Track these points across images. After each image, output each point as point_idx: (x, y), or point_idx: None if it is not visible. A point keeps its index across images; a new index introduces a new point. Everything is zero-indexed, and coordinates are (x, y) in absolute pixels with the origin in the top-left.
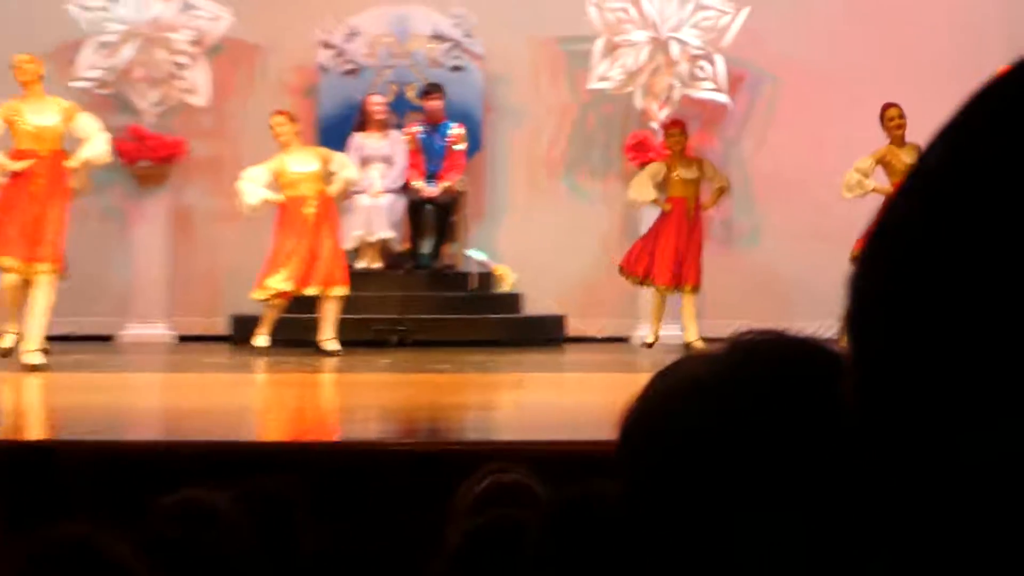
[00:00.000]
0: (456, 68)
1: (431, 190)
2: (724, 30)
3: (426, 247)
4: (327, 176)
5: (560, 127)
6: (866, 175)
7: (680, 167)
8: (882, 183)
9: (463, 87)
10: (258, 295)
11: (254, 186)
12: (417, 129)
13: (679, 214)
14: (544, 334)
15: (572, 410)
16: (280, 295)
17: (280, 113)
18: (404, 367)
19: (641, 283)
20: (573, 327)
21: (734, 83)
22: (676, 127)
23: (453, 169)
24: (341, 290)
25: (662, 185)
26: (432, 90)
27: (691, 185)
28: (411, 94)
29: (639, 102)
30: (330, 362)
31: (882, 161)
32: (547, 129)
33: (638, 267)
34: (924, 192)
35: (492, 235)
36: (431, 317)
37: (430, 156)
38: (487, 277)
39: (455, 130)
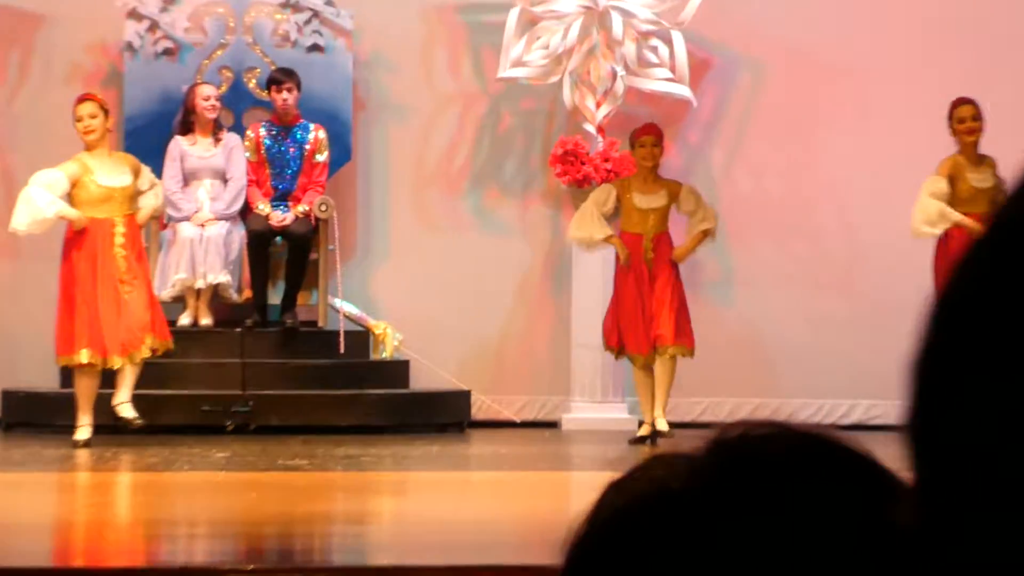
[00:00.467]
0: (315, 48)
1: (281, 216)
2: None
3: (275, 296)
4: (135, 196)
5: (461, 129)
6: (946, 200)
7: (638, 191)
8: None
9: (325, 74)
10: (65, 362)
11: (47, 195)
12: (261, 132)
13: (636, 257)
14: (440, 417)
15: (479, 524)
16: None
17: (89, 99)
18: (246, 463)
19: (617, 357)
20: (480, 407)
21: (698, 70)
22: (648, 134)
23: (312, 187)
24: (148, 350)
25: (614, 214)
26: (282, 78)
27: (652, 217)
28: (252, 84)
29: (569, 96)
30: (139, 456)
31: (949, 177)
32: (442, 132)
33: (611, 335)
34: (1015, 262)
35: (367, 279)
36: (282, 394)
37: (279, 169)
38: (361, 338)
39: (314, 134)
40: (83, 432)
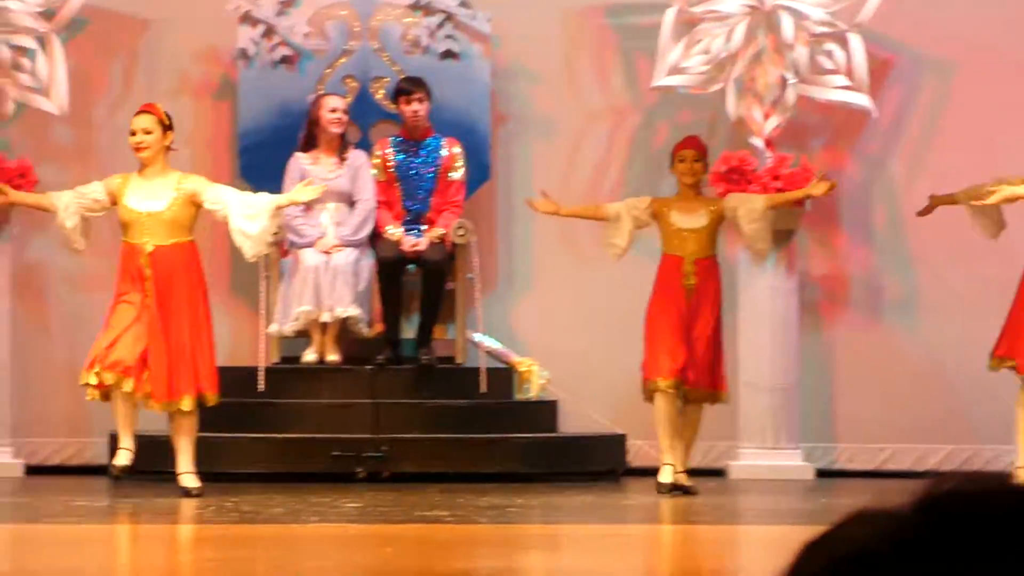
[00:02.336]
0: (448, 54)
1: (414, 241)
2: None
3: (409, 330)
4: (182, 221)
5: (611, 143)
6: None
7: (676, 210)
8: None
9: (460, 83)
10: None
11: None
12: (389, 149)
13: (675, 282)
14: (592, 463)
15: None
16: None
17: (147, 111)
18: (379, 514)
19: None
20: (637, 453)
21: (877, 74)
22: (688, 148)
23: (447, 209)
24: (193, 402)
25: (641, 227)
26: (412, 88)
27: (692, 239)
28: (380, 94)
29: (733, 106)
30: (264, 507)
31: None
32: (592, 146)
33: (649, 368)
34: None
35: (509, 311)
36: (418, 437)
37: (412, 190)
38: (503, 376)
39: (448, 149)
40: (120, 457)
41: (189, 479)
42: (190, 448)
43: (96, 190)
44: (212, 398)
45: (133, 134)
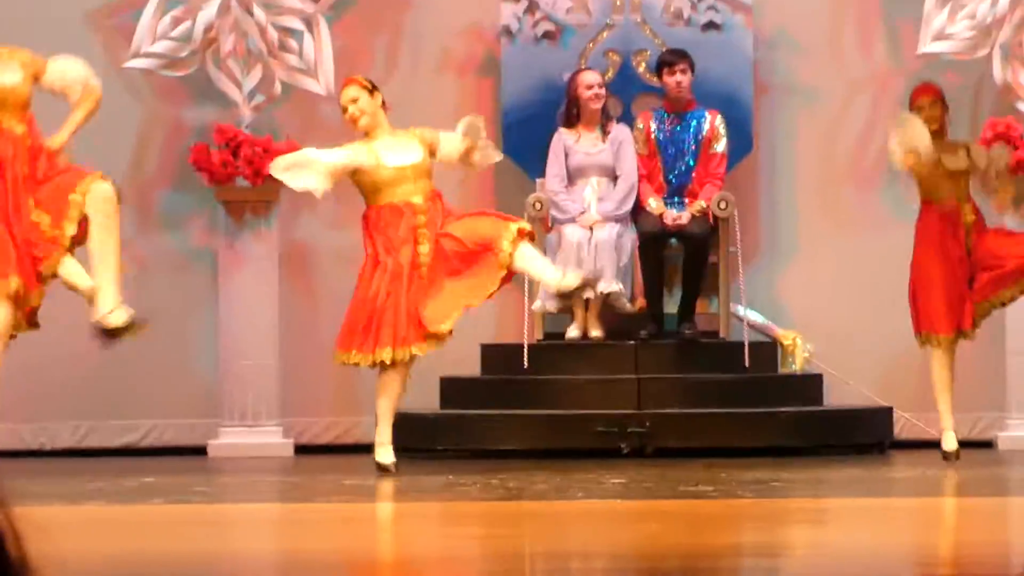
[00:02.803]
0: (711, 26)
1: (677, 215)
2: None
3: (672, 304)
4: (430, 171)
5: (875, 112)
6: None
7: (944, 151)
8: None
9: (722, 54)
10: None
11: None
12: (652, 123)
13: (943, 228)
14: (859, 436)
15: (906, 556)
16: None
17: (349, 83)
18: (643, 490)
19: (922, 344)
20: (904, 425)
21: None
22: (924, 95)
23: (709, 181)
24: (425, 346)
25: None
26: (675, 60)
27: (959, 182)
28: (642, 68)
29: (999, 72)
30: (528, 483)
31: None
32: (855, 116)
33: (919, 320)
34: None
35: (773, 284)
36: (683, 412)
37: (673, 163)
38: (768, 350)
39: (710, 121)
40: (382, 454)
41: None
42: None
43: (356, 151)
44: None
45: (344, 110)
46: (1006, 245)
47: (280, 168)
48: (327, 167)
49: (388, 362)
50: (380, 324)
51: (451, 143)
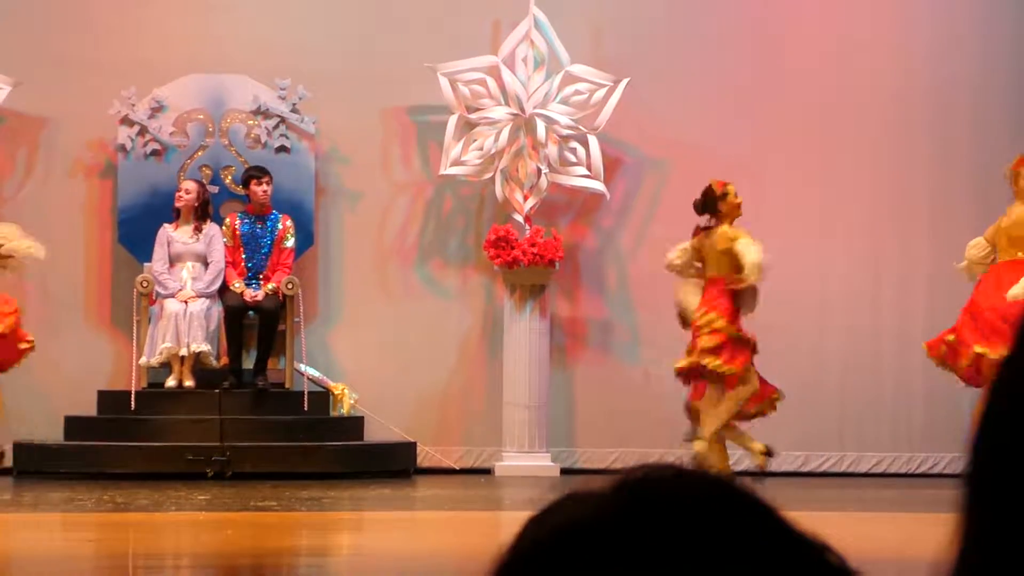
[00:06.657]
0: (282, 149)
1: (254, 293)
2: (599, 106)
3: (249, 361)
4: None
5: (411, 210)
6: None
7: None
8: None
9: (291, 170)
10: None
11: None
12: (237, 221)
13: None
14: (390, 464)
15: (423, 557)
16: None
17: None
18: (223, 504)
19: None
20: (425, 456)
21: (611, 167)
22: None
23: (280, 268)
24: None
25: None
26: (260, 174)
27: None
28: (228, 179)
29: (500, 190)
30: (133, 499)
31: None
32: (395, 212)
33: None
34: None
35: (328, 346)
36: (255, 445)
37: (253, 254)
38: (322, 397)
39: (283, 222)
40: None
41: None
42: None
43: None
44: None
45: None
46: None
47: None
48: None
49: None
50: None
51: None
